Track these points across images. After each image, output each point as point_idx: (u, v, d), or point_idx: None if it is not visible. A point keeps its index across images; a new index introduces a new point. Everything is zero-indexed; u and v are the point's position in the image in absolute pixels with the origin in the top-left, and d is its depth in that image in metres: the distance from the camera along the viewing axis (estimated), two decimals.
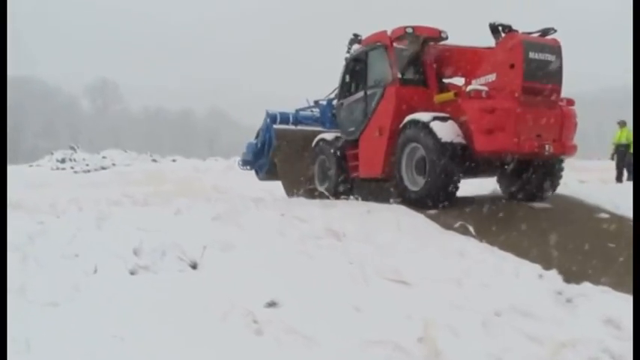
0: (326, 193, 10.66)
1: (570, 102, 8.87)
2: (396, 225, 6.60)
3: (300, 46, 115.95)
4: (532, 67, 8.32)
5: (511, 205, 8.53)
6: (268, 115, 12.91)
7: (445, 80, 10.02)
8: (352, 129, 10.62)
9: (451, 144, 8.47)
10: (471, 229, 6.61)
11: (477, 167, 8.85)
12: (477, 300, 4.53)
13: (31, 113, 74.33)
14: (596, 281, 5.08)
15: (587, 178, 14.82)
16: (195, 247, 5.47)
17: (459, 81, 9.85)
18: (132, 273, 5.15)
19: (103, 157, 44.12)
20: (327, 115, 12.17)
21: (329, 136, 11.31)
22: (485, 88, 8.54)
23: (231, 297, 4.47)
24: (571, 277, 5.22)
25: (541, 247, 6.21)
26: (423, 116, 8.85)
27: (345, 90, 11.07)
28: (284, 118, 12.80)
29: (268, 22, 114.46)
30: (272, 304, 4.43)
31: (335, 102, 11.64)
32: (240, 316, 4.19)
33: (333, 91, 11.83)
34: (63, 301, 4.45)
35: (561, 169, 9.35)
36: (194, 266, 5.22)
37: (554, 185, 9.30)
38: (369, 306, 4.30)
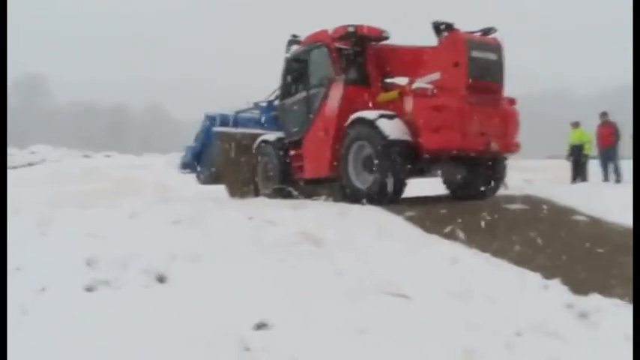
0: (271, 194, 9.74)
1: (512, 101, 8.38)
2: (376, 228, 5.71)
3: (241, 40, 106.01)
4: (476, 66, 7.80)
5: (486, 205, 7.76)
6: (207, 117, 11.78)
7: (388, 80, 9.28)
8: (295, 129, 9.71)
9: (398, 141, 7.80)
10: (461, 234, 5.81)
11: (423, 166, 8.23)
12: (490, 318, 3.78)
13: None
14: (603, 292, 4.42)
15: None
16: (160, 257, 4.45)
17: (401, 81, 9.17)
18: (89, 289, 4.07)
19: (32, 153, 38.63)
20: (268, 117, 11.20)
21: (271, 137, 10.30)
22: (431, 87, 7.92)
23: (212, 318, 3.55)
24: (576, 287, 4.54)
25: (531, 252, 5.60)
26: (370, 114, 8.15)
27: (286, 91, 10.14)
28: (223, 121, 11.65)
29: (209, 15, 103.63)
30: (262, 326, 3.51)
31: (276, 103, 10.70)
32: (228, 342, 3.28)
33: (273, 93, 10.90)
34: (8, 327, 3.43)
35: (504, 168, 8.82)
36: (161, 280, 4.19)
37: (498, 183, 8.78)
38: (375, 327, 3.48)
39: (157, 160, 30.98)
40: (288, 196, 9.46)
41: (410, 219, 6.46)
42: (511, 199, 8.20)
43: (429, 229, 6.14)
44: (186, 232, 5.10)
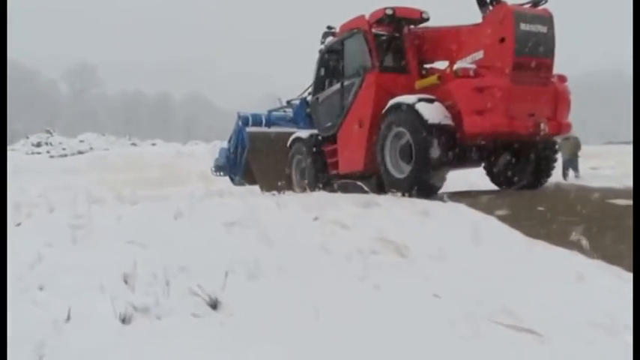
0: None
1: (562, 78, 6.89)
2: (468, 232, 4.09)
3: (280, 26, 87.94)
4: (524, 41, 6.35)
5: (585, 200, 5.49)
6: (240, 117, 10.29)
7: (427, 65, 7.85)
8: (329, 124, 8.26)
9: (439, 126, 6.42)
10: (584, 242, 3.81)
11: (465, 154, 6.81)
12: None
13: (9, 97, 61.31)
14: None
15: None
16: (211, 270, 3.24)
17: (442, 66, 7.77)
18: (124, 321, 2.84)
19: (81, 141, 36.04)
20: (301, 115, 9.70)
21: (304, 134, 8.83)
22: (473, 66, 6.52)
23: None
24: None
25: None
26: (408, 98, 6.75)
27: (320, 85, 8.67)
28: (256, 120, 10.20)
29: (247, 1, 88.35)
30: None
31: (309, 99, 9.22)
32: None
33: (306, 90, 9.41)
34: None
35: (556, 152, 7.38)
36: (214, 305, 2.93)
37: (550, 170, 7.31)
38: None
39: (201, 148, 28.51)
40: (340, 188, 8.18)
41: (503, 219, 4.72)
42: (608, 192, 6.06)
43: (529, 231, 4.37)
44: (243, 238, 3.92)
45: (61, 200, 6.33)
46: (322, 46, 8.64)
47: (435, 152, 6.41)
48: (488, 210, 5.01)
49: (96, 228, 4.45)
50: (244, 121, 10.20)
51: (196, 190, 10.52)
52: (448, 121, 6.51)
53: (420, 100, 6.64)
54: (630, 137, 11.93)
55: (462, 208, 5.17)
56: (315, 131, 8.68)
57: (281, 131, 9.93)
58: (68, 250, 3.99)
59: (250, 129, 10.01)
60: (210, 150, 18.98)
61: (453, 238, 4.05)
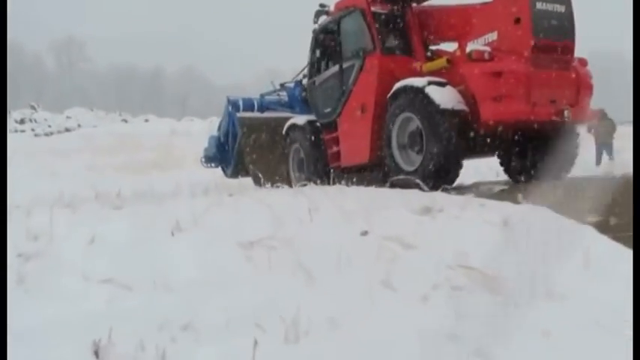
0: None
1: (583, 62, 6.25)
2: (578, 256, 3.01)
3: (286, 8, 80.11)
4: (541, 21, 5.72)
5: None
6: (229, 102, 9.52)
7: (433, 47, 7.12)
8: (328, 110, 7.56)
9: (452, 111, 5.83)
10: None
11: (480, 142, 6.20)
12: None
13: None
14: None
15: None
16: (229, 329, 2.42)
17: (448, 48, 7.06)
18: None
19: (68, 117, 33.23)
20: (296, 98, 8.99)
21: (301, 120, 8.10)
22: (488, 49, 5.86)
23: None
24: None
25: None
26: (417, 81, 6.12)
27: (316, 68, 7.94)
28: (247, 105, 9.43)
29: None
30: None
31: (305, 82, 8.53)
32: None
33: (301, 72, 8.73)
34: None
35: (578, 141, 6.70)
36: None
37: (572, 160, 6.65)
38: None
39: (197, 125, 26.74)
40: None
41: (603, 230, 3.53)
42: None
43: None
44: (269, 270, 3.01)
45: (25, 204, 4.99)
46: (316, 26, 7.91)
47: (449, 140, 5.82)
48: (576, 214, 4.04)
49: (57, 256, 3.21)
50: (235, 106, 9.49)
51: (195, 178, 9.92)
52: (462, 107, 5.91)
53: (430, 83, 6.02)
54: (627, 117, 11.19)
55: (547, 214, 3.93)
56: (313, 117, 8.01)
57: (275, 116, 9.26)
58: (13, 294, 2.74)
59: (242, 114, 9.31)
60: (207, 127, 17.88)
61: (557, 265, 2.87)
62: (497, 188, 5.71)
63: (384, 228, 3.49)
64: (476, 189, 5.84)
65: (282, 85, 9.67)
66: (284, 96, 9.62)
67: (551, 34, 5.81)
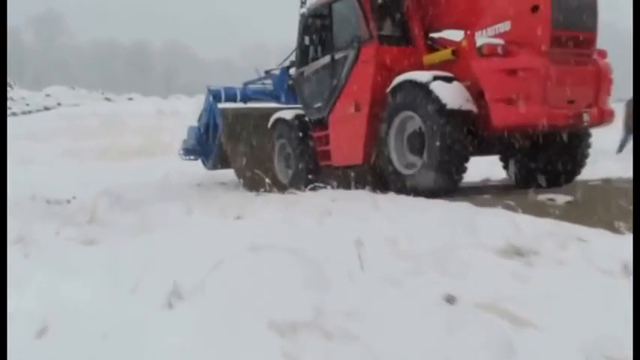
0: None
1: (602, 54, 5.53)
2: None
3: None
4: (562, 9, 5.00)
5: None
6: (210, 91, 8.77)
7: (433, 35, 6.40)
8: (318, 105, 6.82)
9: (459, 112, 5.16)
10: None
11: (485, 143, 5.60)
12: None
13: None
14: None
15: None
16: None
17: (450, 35, 6.34)
18: None
19: (47, 96, 30.91)
20: (282, 87, 8.31)
21: (288, 114, 7.36)
22: (501, 42, 5.14)
23: None
24: None
25: None
26: (420, 75, 5.42)
27: (304, 56, 7.16)
28: (230, 95, 8.68)
29: None
30: None
31: (292, 72, 7.76)
32: None
33: (287, 58, 7.99)
34: None
35: (589, 144, 6.05)
36: None
37: (581, 164, 6.02)
38: None
39: (183, 104, 24.64)
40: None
41: None
42: None
43: None
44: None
45: None
46: (304, 9, 7.13)
47: (454, 144, 5.16)
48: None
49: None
50: (216, 96, 8.74)
51: (183, 166, 9.01)
52: (470, 106, 5.24)
53: (435, 77, 5.32)
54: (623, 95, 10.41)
55: None
56: (301, 111, 7.30)
57: (259, 107, 8.57)
58: None
59: (223, 105, 8.58)
60: (195, 105, 16.92)
61: None
62: (561, 199, 4.58)
63: (471, 286, 2.45)
64: (520, 197, 4.69)
65: (267, 72, 8.96)
66: (269, 84, 8.91)
67: (572, 24, 5.11)
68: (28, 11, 62.77)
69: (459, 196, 5.22)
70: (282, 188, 6.36)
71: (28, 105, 29.21)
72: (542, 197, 4.71)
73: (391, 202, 4.56)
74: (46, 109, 28.46)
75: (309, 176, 6.91)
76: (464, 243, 3.00)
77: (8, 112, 27.01)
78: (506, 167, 6.45)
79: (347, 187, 6.07)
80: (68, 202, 5.62)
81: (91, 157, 14.06)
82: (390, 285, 2.56)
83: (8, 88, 31.35)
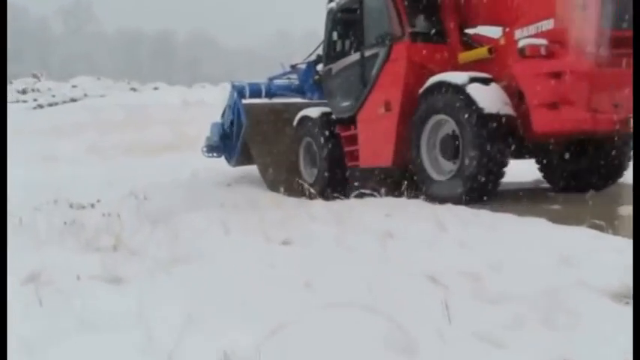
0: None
1: None
2: None
3: None
4: (612, 7, 4.63)
5: None
6: (234, 87, 8.51)
7: (469, 31, 6.08)
8: (346, 104, 6.57)
9: (498, 116, 4.87)
10: None
11: (522, 148, 5.31)
12: None
13: None
14: None
15: None
16: None
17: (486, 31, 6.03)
18: None
19: (73, 87, 29.84)
20: (308, 83, 7.99)
21: (314, 112, 7.11)
22: (545, 42, 4.81)
23: None
24: None
25: None
26: (455, 77, 5.15)
27: (332, 52, 6.91)
28: (254, 91, 8.39)
29: None
30: None
31: (320, 68, 7.48)
32: None
33: (314, 52, 7.71)
34: None
35: (631, 146, 5.69)
36: None
37: (624, 167, 5.69)
38: None
39: (209, 93, 23.75)
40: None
41: None
42: None
43: None
44: None
45: None
46: (332, 4, 6.86)
47: (491, 151, 4.88)
48: None
49: None
50: (240, 92, 8.52)
51: (210, 162, 8.61)
52: (509, 111, 4.96)
53: (472, 79, 5.04)
54: None
55: None
56: (328, 109, 7.05)
57: (285, 103, 8.33)
58: None
59: (247, 101, 8.37)
60: (219, 93, 16.28)
61: None
62: None
63: (589, 344, 1.96)
64: (600, 211, 4.05)
65: (292, 66, 8.67)
66: (295, 79, 8.65)
67: (620, 23, 4.74)
68: (59, 1, 63.11)
69: (507, 201, 4.95)
70: (319, 192, 6.23)
71: (54, 96, 28.27)
72: (625, 211, 4.12)
73: (455, 217, 4.03)
74: (73, 100, 27.54)
75: (336, 177, 6.72)
76: (565, 282, 2.41)
77: (34, 104, 26.79)
78: (542, 169, 6.12)
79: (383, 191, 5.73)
80: (92, 206, 5.43)
81: (116, 153, 13.63)
82: (490, 345, 2.05)
83: (35, 80, 31.38)
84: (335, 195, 5.91)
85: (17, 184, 7.14)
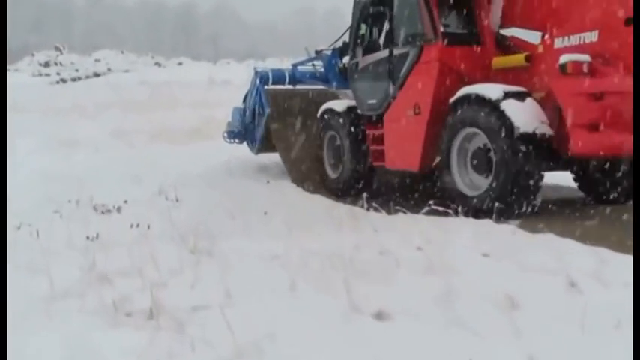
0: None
1: None
2: None
3: None
4: None
5: None
6: (257, 73, 8.28)
7: (504, 32, 5.76)
8: (373, 101, 6.32)
9: (534, 136, 4.67)
10: None
11: (558, 161, 5.07)
12: None
13: (21, 6, 47.85)
14: None
15: None
16: None
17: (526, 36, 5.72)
18: None
19: (96, 61, 29.70)
20: (333, 70, 7.71)
21: (339, 105, 6.88)
22: (587, 58, 4.54)
23: None
24: None
25: None
26: (488, 90, 4.91)
27: (359, 45, 6.63)
28: (277, 77, 8.16)
29: None
30: None
31: (346, 61, 7.20)
32: None
33: (340, 38, 7.43)
34: None
35: None
36: None
37: None
38: None
39: (234, 69, 23.18)
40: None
41: None
42: None
43: None
44: None
45: None
46: None
47: (526, 170, 4.71)
48: None
49: None
50: (263, 78, 8.33)
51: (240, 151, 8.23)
52: (546, 129, 4.76)
53: (507, 95, 4.80)
54: None
55: None
56: (354, 103, 6.83)
57: (309, 89, 8.11)
58: None
59: (270, 88, 8.18)
60: (244, 72, 15.40)
61: None
62: None
63: None
64: None
65: (317, 52, 8.39)
66: (319, 66, 8.39)
67: None
68: None
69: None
70: (344, 190, 6.24)
71: (77, 70, 27.87)
72: None
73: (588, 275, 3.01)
74: (96, 74, 27.14)
75: (362, 175, 6.58)
76: None
77: (57, 77, 26.47)
78: (577, 180, 5.90)
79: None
80: (118, 210, 5.27)
81: (142, 140, 12.91)
82: None
83: (57, 53, 30.70)
84: (397, 209, 5.19)
85: (37, 174, 7.06)
